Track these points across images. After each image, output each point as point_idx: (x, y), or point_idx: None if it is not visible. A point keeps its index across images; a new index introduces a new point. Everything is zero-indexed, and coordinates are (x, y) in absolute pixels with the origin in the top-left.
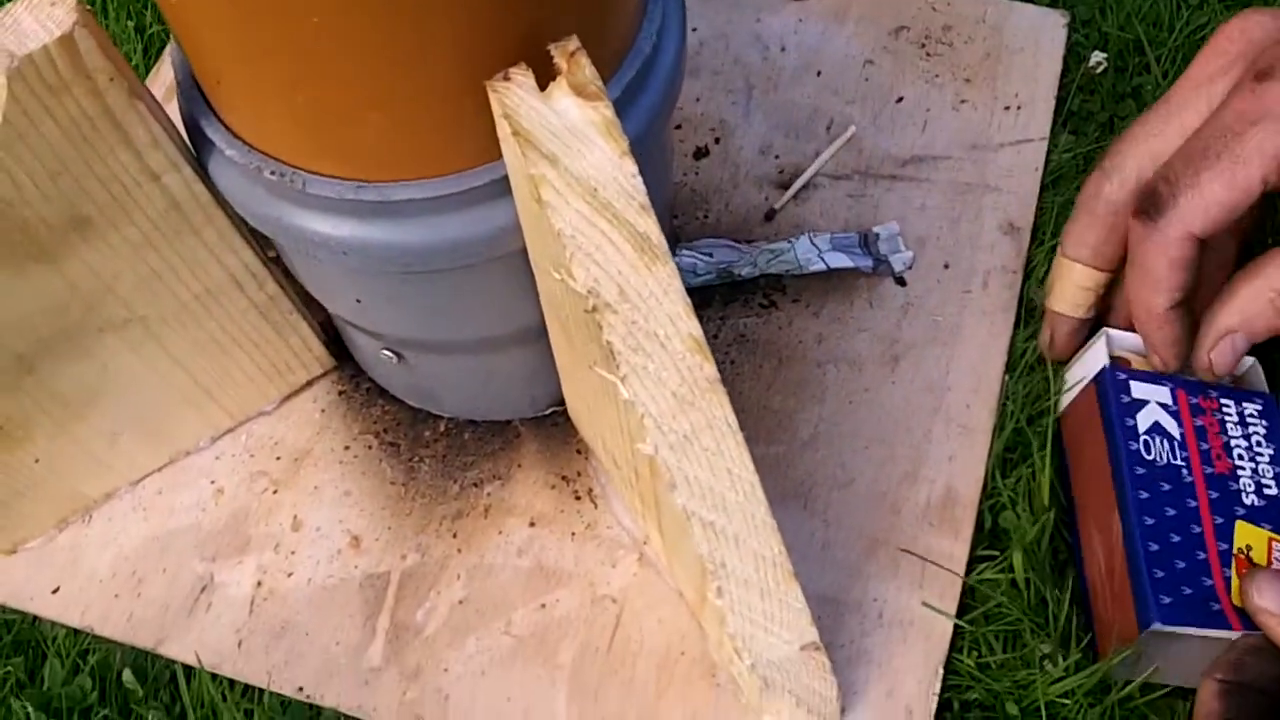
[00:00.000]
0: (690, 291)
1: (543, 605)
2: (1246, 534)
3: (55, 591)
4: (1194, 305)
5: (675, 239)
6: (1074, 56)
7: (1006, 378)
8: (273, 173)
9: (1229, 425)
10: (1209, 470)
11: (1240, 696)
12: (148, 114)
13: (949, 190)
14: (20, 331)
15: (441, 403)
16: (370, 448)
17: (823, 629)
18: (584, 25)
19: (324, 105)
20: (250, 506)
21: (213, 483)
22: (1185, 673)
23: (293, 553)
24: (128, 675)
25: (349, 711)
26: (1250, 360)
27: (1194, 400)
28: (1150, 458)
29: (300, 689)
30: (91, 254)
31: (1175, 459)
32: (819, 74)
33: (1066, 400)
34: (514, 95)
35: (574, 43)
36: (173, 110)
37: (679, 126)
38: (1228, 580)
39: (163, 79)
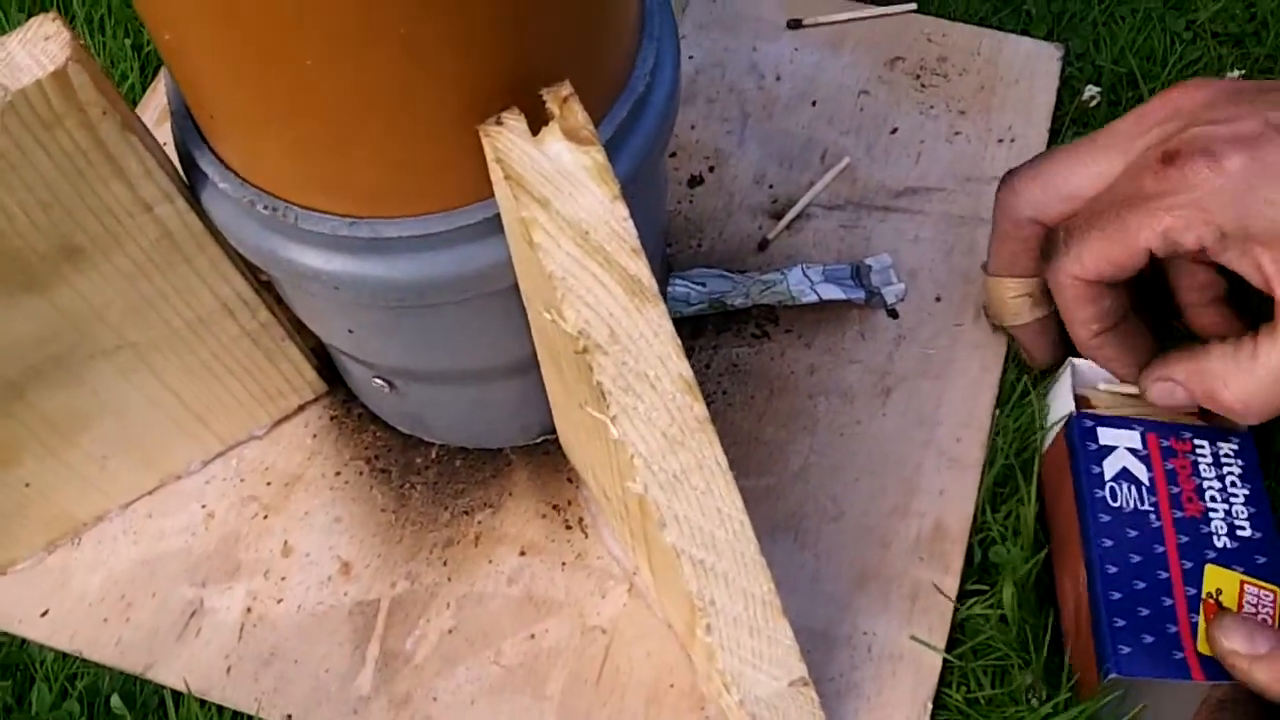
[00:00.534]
0: (683, 321)
1: (532, 635)
2: (1217, 578)
3: (44, 614)
4: (1144, 313)
5: (669, 268)
6: (1068, 89)
7: (997, 411)
8: (265, 207)
9: (1202, 467)
10: (1178, 514)
11: None
12: (140, 146)
13: (942, 222)
14: (11, 358)
15: (433, 430)
16: (361, 474)
17: (812, 663)
18: (577, 67)
19: (316, 142)
20: (240, 531)
21: (203, 507)
22: (1167, 716)
23: (283, 578)
24: (116, 701)
25: None
26: None
27: (1165, 443)
28: (1116, 505)
29: (289, 716)
30: (83, 283)
31: (1143, 504)
32: (814, 103)
33: (1049, 440)
34: (506, 139)
35: (566, 88)
36: (169, 130)
37: (674, 154)
38: (1194, 626)
39: (159, 99)
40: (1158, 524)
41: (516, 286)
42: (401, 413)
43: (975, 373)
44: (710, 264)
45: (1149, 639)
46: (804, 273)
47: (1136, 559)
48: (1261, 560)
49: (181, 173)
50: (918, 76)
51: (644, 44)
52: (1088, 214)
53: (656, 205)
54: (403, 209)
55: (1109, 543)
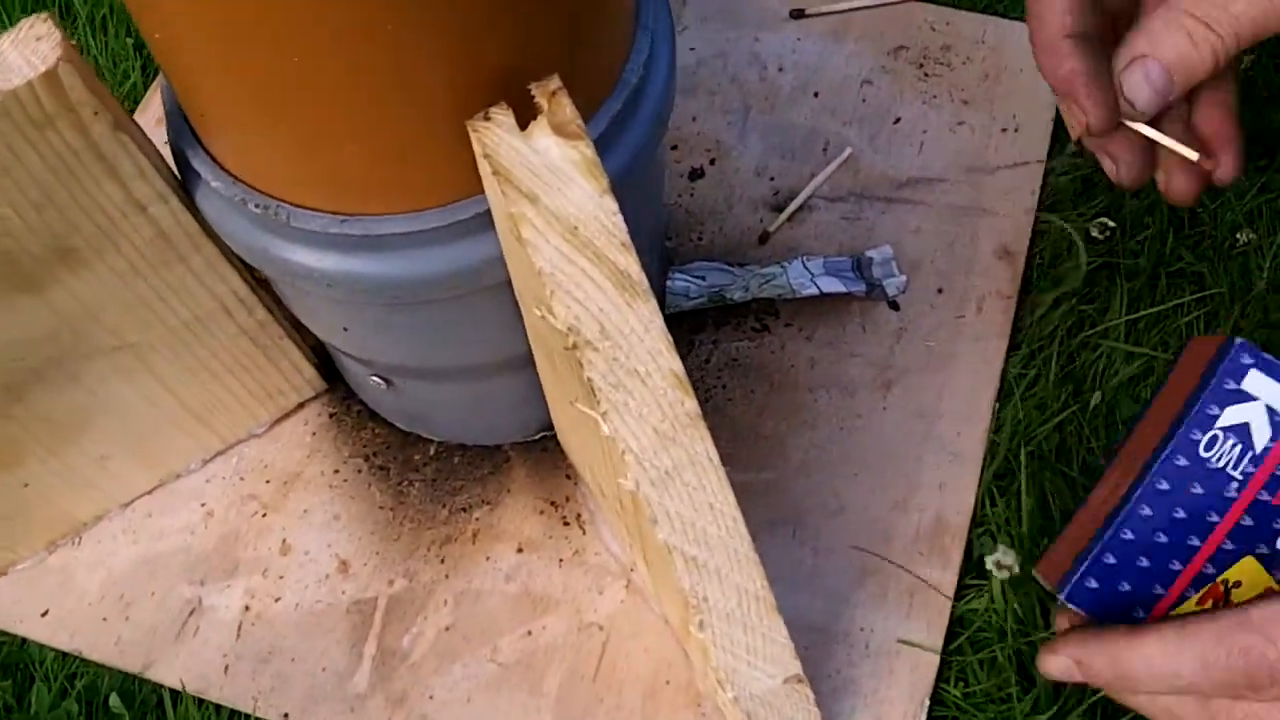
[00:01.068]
0: (683, 315)
1: (529, 632)
2: (1247, 570)
3: (44, 614)
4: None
5: (669, 261)
6: None
7: (997, 405)
8: (257, 205)
9: None
10: (1263, 497)
11: None
12: (133, 146)
13: (944, 213)
14: (8, 360)
15: (432, 427)
16: (360, 471)
17: (810, 659)
18: (567, 60)
19: (305, 139)
20: (240, 530)
21: (202, 505)
22: None
23: (281, 577)
24: (114, 700)
25: None
26: None
27: None
28: (1206, 455)
29: (286, 715)
30: (78, 283)
31: (1234, 469)
32: (816, 94)
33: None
34: (494, 134)
35: (555, 82)
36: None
37: (675, 147)
38: (1182, 600)
39: (160, 98)
40: (1232, 495)
41: (510, 282)
42: (400, 410)
43: (977, 365)
44: (710, 257)
45: (1125, 587)
46: (804, 265)
47: (1180, 515)
48: None
49: (176, 172)
50: (921, 66)
51: (637, 35)
52: None
53: (655, 199)
54: (394, 206)
55: (1164, 486)
